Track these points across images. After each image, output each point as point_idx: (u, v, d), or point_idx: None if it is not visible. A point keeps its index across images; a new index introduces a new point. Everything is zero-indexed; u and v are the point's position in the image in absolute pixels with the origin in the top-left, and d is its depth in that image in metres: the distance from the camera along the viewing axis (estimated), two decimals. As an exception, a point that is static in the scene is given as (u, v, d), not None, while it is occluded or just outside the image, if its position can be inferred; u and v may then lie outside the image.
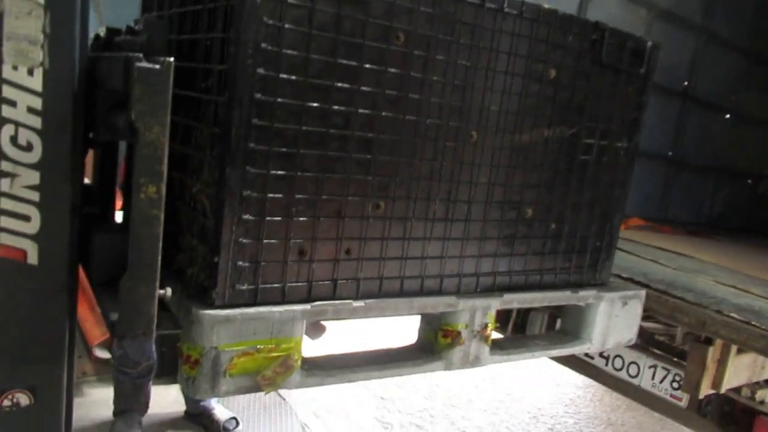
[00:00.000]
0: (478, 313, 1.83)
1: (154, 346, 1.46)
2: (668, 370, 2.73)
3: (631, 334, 2.31)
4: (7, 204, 1.29)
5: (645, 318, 2.92)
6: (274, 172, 1.39)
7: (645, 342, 2.97)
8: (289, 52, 1.35)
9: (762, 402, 2.53)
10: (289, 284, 1.48)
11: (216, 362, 1.38)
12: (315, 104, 1.41)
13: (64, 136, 1.32)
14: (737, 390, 2.52)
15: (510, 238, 1.88)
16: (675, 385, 2.71)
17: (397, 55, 1.51)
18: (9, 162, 1.28)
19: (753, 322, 2.13)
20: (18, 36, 1.23)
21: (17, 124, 1.27)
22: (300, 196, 1.44)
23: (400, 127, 1.57)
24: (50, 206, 1.32)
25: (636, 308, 2.28)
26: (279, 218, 1.43)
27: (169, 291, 1.26)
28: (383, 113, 1.53)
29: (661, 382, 2.76)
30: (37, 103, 1.28)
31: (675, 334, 3.86)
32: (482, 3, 1.62)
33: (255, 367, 1.44)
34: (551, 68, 1.82)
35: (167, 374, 1.48)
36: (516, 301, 1.93)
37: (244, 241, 1.39)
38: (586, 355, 3.03)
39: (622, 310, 2.23)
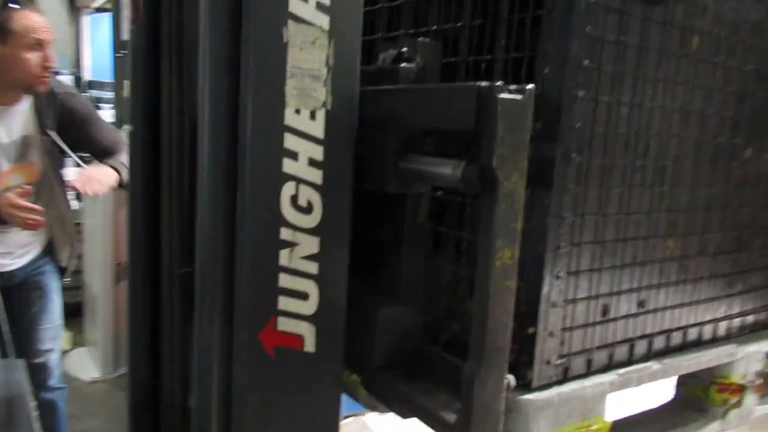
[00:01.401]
0: (753, 359, 1.55)
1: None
2: None
3: None
4: (286, 281, 1.03)
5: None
6: (589, 215, 1.13)
7: None
8: (607, 68, 1.10)
9: None
10: (595, 352, 1.22)
11: None
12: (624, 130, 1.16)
13: (344, 193, 1.07)
14: None
15: None
16: None
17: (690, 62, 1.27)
18: (288, 228, 1.02)
19: None
20: (302, 71, 0.98)
21: (298, 180, 1.02)
22: (608, 241, 1.18)
23: (686, 149, 1.32)
24: (328, 277, 1.07)
25: None
26: (587, 270, 1.17)
27: (513, 380, 0.99)
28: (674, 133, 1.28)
29: None
30: (318, 153, 1.02)
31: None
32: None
33: None
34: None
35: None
36: None
37: (558, 303, 1.12)
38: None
39: None
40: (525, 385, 1.11)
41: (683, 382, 1.62)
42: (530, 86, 0.88)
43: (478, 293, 0.92)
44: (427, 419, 1.04)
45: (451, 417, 0.97)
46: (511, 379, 0.98)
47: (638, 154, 1.21)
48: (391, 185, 1.08)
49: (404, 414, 1.12)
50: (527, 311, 1.10)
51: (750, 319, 1.60)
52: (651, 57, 1.18)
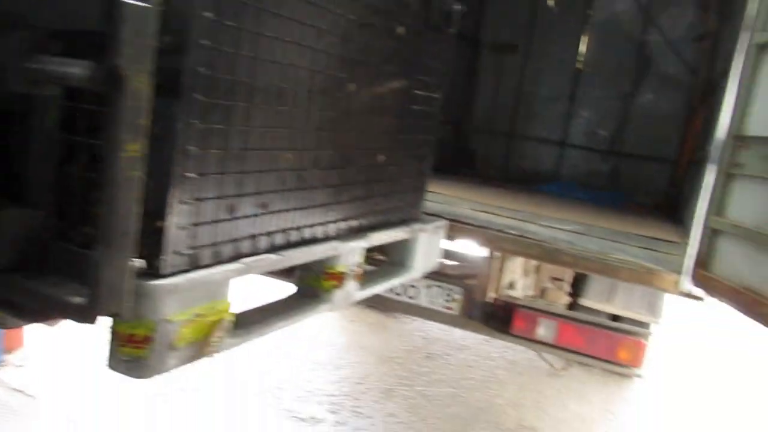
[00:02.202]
0: (353, 254, 1.96)
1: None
2: (441, 288, 3.25)
3: (437, 257, 2.70)
4: None
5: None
6: (216, 125, 1.29)
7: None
8: None
9: (516, 298, 3.21)
10: (221, 244, 1.41)
11: (167, 336, 1.25)
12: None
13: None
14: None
15: (368, 183, 2.04)
16: (447, 298, 3.25)
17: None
18: None
19: (526, 236, 2.70)
20: None
21: None
22: (234, 149, 1.36)
23: (301, 77, 1.58)
24: None
25: (441, 236, 2.67)
26: (215, 174, 1.33)
27: (139, 262, 1.10)
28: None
29: (437, 298, 3.26)
30: None
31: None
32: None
33: (196, 335, 1.35)
34: (398, 25, 1.99)
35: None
36: (376, 239, 2.11)
37: (187, 201, 1.27)
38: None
39: (434, 238, 2.58)
40: (155, 273, 1.24)
41: (302, 276, 1.95)
42: (155, -2, 0.98)
43: (107, 183, 1.01)
44: (54, 307, 1.09)
45: (79, 300, 1.05)
46: (137, 262, 1.10)
47: (261, 75, 1.41)
48: (16, 84, 1.07)
49: (28, 311, 1.14)
50: (157, 207, 1.22)
51: (354, 223, 2.00)
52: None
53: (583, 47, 6.39)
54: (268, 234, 1.57)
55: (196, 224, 1.31)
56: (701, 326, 6.74)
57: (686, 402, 4.88)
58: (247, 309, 1.71)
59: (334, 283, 1.90)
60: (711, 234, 2.29)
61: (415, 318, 5.55)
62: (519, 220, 3.19)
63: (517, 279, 3.53)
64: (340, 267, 1.90)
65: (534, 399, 4.51)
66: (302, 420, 3.77)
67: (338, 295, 1.92)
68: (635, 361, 2.93)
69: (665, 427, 4.37)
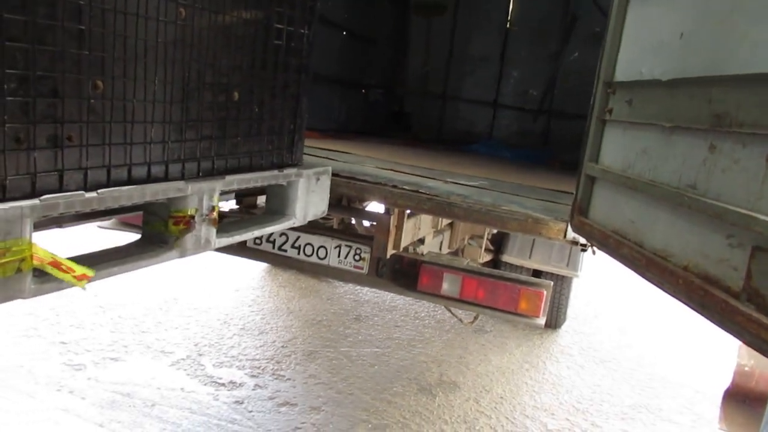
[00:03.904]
0: (205, 196, 1.87)
1: None
2: (350, 247, 3.23)
3: (324, 206, 2.61)
4: None
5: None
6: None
7: (326, 229, 3.44)
8: None
9: (422, 254, 3.22)
10: (10, 178, 1.30)
11: None
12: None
13: None
14: (404, 249, 3.15)
15: (222, 121, 1.94)
16: (357, 257, 3.23)
17: None
18: None
19: (420, 191, 2.69)
20: None
21: None
22: (10, 71, 1.25)
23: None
24: None
25: (326, 183, 2.58)
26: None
27: None
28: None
29: (346, 257, 3.25)
30: None
31: (349, 221, 4.49)
32: None
33: None
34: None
35: None
36: (236, 182, 2.02)
37: None
38: (281, 248, 3.35)
39: (316, 185, 2.50)
40: None
41: (148, 221, 1.86)
42: None
43: None
44: None
45: None
46: None
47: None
48: None
49: None
50: None
51: (206, 164, 1.91)
52: None
53: (511, 6, 6.37)
54: (81, 170, 1.46)
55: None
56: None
57: (597, 350, 5.03)
58: (77, 255, 1.63)
59: (183, 227, 1.80)
60: (587, 181, 2.31)
61: (345, 282, 5.57)
62: (420, 176, 3.18)
63: (426, 236, 3.54)
64: (189, 210, 1.81)
65: (458, 355, 4.59)
66: (221, 385, 3.75)
67: (189, 240, 1.83)
68: (535, 311, 2.97)
69: (575, 374, 4.50)
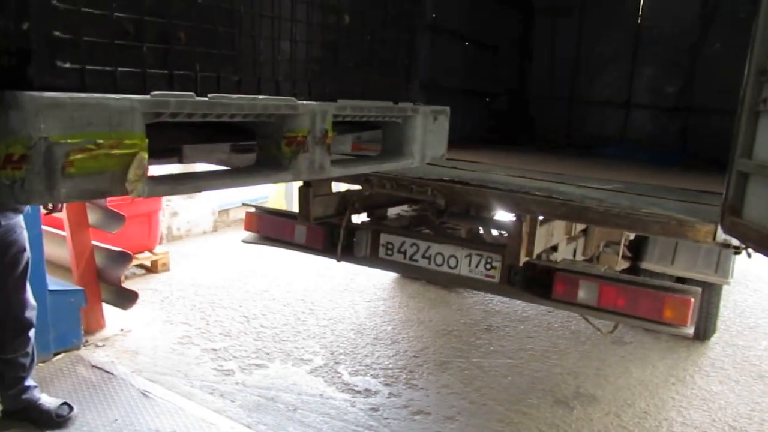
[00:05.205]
0: (317, 118, 1.82)
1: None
2: (481, 256, 3.21)
3: (443, 148, 2.55)
4: None
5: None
6: None
7: (457, 239, 3.45)
8: None
9: (556, 261, 3.13)
10: (120, 70, 1.34)
11: (50, 156, 1.15)
12: None
13: None
14: (537, 257, 3.08)
15: (333, 44, 1.95)
16: (488, 266, 3.20)
17: None
18: None
19: (553, 196, 2.63)
20: None
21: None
22: None
23: None
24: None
25: (444, 124, 2.53)
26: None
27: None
28: None
29: (477, 266, 3.23)
30: None
31: (477, 230, 4.47)
32: None
33: (97, 166, 1.25)
34: None
35: None
36: (349, 107, 1.97)
37: (59, 4, 1.19)
38: (412, 258, 3.39)
39: (434, 125, 2.46)
40: (28, 85, 1.16)
41: (261, 144, 1.84)
42: None
43: None
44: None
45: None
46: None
47: None
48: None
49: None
50: (20, 7, 1.15)
51: (317, 88, 1.91)
52: None
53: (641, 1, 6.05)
54: (190, 73, 1.47)
55: (77, 37, 1.24)
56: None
57: (754, 364, 4.58)
58: (195, 171, 1.69)
59: (296, 147, 1.76)
60: (740, 177, 2.14)
61: (475, 292, 5.54)
62: (552, 182, 3.10)
63: (560, 243, 3.44)
64: (301, 131, 1.77)
65: (595, 367, 4.39)
66: (357, 392, 3.86)
67: (302, 162, 1.78)
68: (682, 320, 2.77)
69: (729, 389, 4.13)
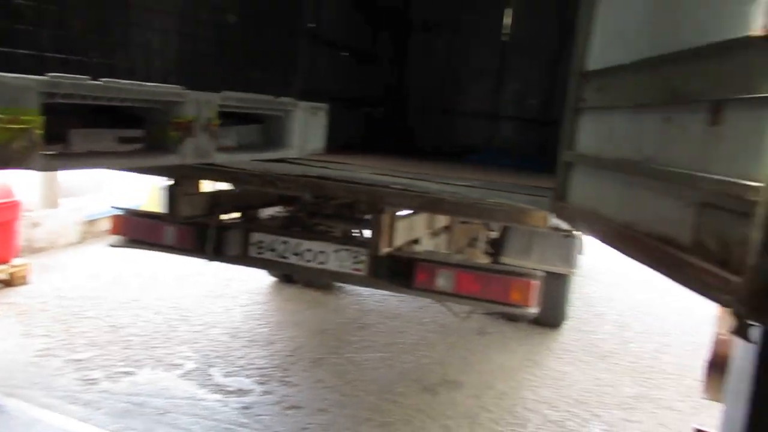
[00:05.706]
0: (203, 106, 1.97)
1: None
2: (348, 251, 3.35)
3: (321, 143, 2.75)
4: None
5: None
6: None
7: (325, 235, 3.57)
8: None
9: (417, 252, 3.34)
10: (19, 51, 1.44)
11: None
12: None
13: None
14: (398, 249, 3.28)
15: (219, 42, 2.08)
16: (355, 260, 3.35)
17: None
18: None
19: (410, 189, 2.82)
20: None
21: None
22: None
23: None
24: None
25: (323, 119, 2.72)
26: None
27: None
28: None
29: (345, 261, 3.37)
30: None
31: (351, 232, 4.61)
32: None
33: None
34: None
35: None
36: (233, 99, 2.12)
37: None
38: (283, 256, 3.47)
39: (313, 119, 2.64)
40: None
41: (149, 129, 1.94)
42: None
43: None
44: None
45: None
46: None
47: None
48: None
49: None
50: None
51: (204, 79, 2.05)
52: None
53: (507, 19, 6.53)
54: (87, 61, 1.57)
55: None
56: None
57: (599, 346, 5.10)
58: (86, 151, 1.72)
59: (182, 133, 1.89)
60: (566, 167, 2.44)
61: (350, 292, 5.70)
62: (414, 179, 3.31)
63: (422, 237, 3.67)
64: (188, 117, 1.89)
65: (461, 356, 4.67)
66: (230, 392, 3.85)
67: (189, 146, 1.91)
68: (526, 301, 3.07)
69: (576, 369, 4.57)
